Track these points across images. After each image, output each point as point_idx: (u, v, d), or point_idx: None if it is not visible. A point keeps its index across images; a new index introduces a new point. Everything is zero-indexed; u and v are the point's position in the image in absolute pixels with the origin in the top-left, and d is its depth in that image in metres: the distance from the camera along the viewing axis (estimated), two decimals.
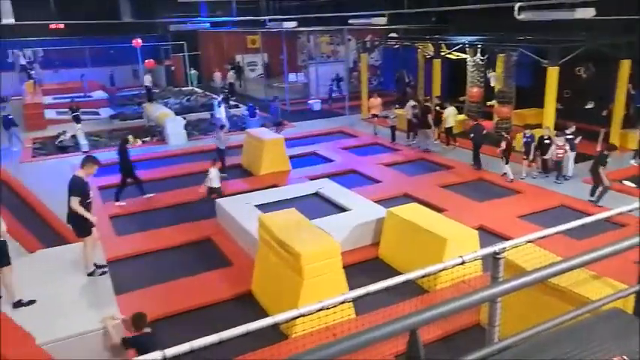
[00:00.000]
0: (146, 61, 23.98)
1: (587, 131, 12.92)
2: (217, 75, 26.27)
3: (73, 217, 6.17)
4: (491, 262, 3.19)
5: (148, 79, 23.35)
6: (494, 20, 16.75)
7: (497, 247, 3.14)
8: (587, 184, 10.74)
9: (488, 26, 17.57)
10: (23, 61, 27.46)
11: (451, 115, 14.71)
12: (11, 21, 25.00)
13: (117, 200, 10.96)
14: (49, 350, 4.60)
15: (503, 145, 11.99)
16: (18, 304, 5.38)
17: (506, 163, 11.95)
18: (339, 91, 22.41)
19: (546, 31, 15.39)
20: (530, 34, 15.25)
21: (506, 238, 7.02)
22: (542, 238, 3.57)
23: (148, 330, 4.80)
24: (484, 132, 13.15)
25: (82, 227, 6.20)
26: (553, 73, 12.66)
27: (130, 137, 14.39)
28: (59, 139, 16.59)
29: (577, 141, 11.76)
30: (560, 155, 11.53)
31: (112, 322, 4.89)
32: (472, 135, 13.01)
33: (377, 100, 16.94)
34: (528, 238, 3.46)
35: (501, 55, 15.67)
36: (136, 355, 4.53)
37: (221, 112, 17.60)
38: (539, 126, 13.29)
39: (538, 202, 10.53)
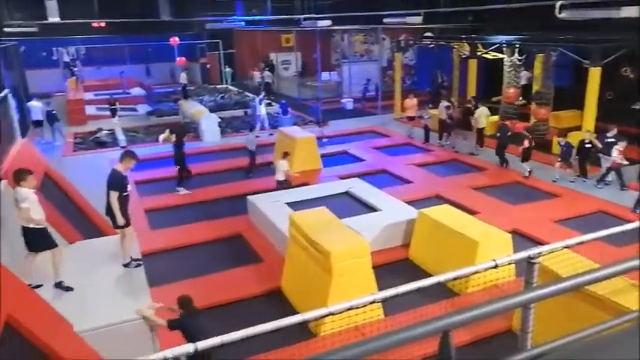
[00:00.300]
0: (178, 58, 24.41)
1: (632, 135, 12.45)
2: (256, 74, 26.39)
3: (111, 209, 6.34)
4: (526, 266, 3.11)
5: (183, 77, 23.76)
6: (534, 19, 16.35)
7: (532, 252, 3.06)
8: (630, 191, 10.35)
9: (527, 25, 17.15)
10: (67, 59, 28.39)
11: (482, 116, 14.41)
12: (57, 19, 25.96)
13: (178, 187, 11.50)
14: (86, 338, 4.75)
15: (526, 143, 12.00)
16: (58, 285, 5.62)
17: (523, 162, 12.02)
18: (374, 90, 22.21)
19: (587, 31, 14.91)
20: (570, 34, 14.81)
21: (541, 243, 6.86)
22: (579, 244, 3.46)
23: (192, 312, 4.90)
24: (509, 133, 12.92)
25: (116, 219, 6.36)
26: (595, 74, 12.25)
27: (167, 133, 14.73)
28: (95, 136, 17.09)
29: (621, 145, 11.17)
30: (618, 162, 10.82)
31: (148, 311, 5.02)
32: (498, 134, 12.92)
33: (412, 101, 16.42)
34: (565, 244, 3.35)
35: (540, 54, 15.26)
36: (182, 338, 4.68)
37: (261, 110, 17.75)
38: (577, 128, 12.89)
39: (576, 207, 10.22)
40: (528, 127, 12.93)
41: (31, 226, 5.49)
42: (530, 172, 11.94)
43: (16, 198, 5.52)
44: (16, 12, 28.24)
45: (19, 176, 5.55)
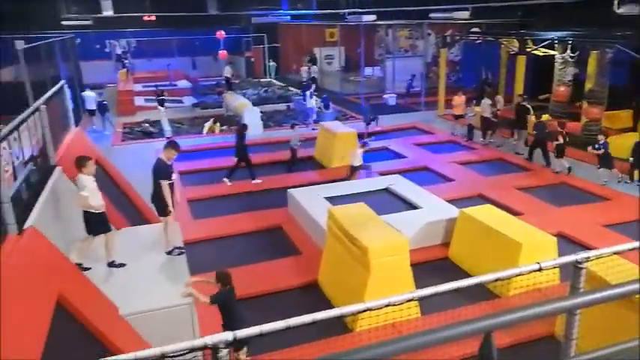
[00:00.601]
0: (220, 51, 24.79)
1: None
2: (304, 69, 26.19)
3: (156, 197, 6.53)
4: (572, 271, 3.00)
5: (228, 71, 24.10)
6: (588, 14, 15.65)
7: (579, 256, 2.95)
8: None
9: (581, 21, 16.43)
10: (119, 51, 29.43)
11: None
12: (110, 13, 26.92)
13: (228, 177, 11.81)
14: (129, 321, 4.93)
15: (560, 139, 11.77)
16: (111, 264, 5.90)
17: (558, 157, 11.85)
18: (418, 86, 21.84)
19: None
20: (628, 30, 14.09)
21: (589, 248, 6.60)
22: (631, 250, 3.30)
23: (228, 287, 5.22)
24: (547, 131, 12.61)
25: (164, 207, 6.55)
26: None
27: (211, 122, 15.09)
28: (137, 128, 17.61)
29: None
30: None
31: (193, 290, 5.26)
32: (535, 132, 12.67)
33: (461, 99, 15.80)
34: (616, 250, 3.20)
35: (595, 51, 14.62)
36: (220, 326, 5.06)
37: (312, 103, 17.85)
38: (632, 129, 12.30)
39: (627, 211, 9.75)
40: (562, 122, 12.55)
41: (92, 210, 5.78)
42: (569, 168, 11.73)
43: (77, 185, 5.82)
44: (73, 6, 29.45)
45: (79, 163, 5.83)
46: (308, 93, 18.23)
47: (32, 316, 3.76)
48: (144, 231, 7.12)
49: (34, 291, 4.01)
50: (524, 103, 14.46)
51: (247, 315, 5.33)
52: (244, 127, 12.27)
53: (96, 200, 5.82)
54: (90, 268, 5.79)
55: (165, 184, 6.35)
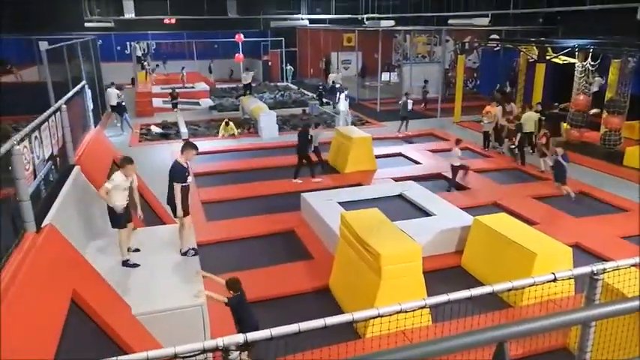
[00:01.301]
0: (237, 55, 24.85)
1: None
2: (331, 76, 25.34)
3: (172, 199, 6.59)
4: (588, 282, 2.96)
5: (247, 77, 23.31)
6: (610, 22, 15.44)
7: (595, 267, 2.90)
8: None
9: (602, 29, 16.21)
10: (139, 53, 29.82)
11: (530, 120, 13.58)
12: (132, 16, 27.33)
13: (295, 178, 12.09)
14: (142, 321, 4.97)
15: (543, 140, 12.15)
16: (125, 263, 6.01)
17: (541, 157, 12.33)
18: (435, 92, 21.74)
19: None
20: None
21: (605, 260, 6.48)
22: None
23: (239, 293, 5.34)
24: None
25: (176, 208, 6.60)
26: None
27: (223, 125, 15.17)
28: (156, 130, 17.74)
29: None
30: None
31: (210, 292, 5.37)
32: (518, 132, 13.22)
33: (494, 109, 14.61)
34: (634, 262, 3.15)
35: (616, 60, 14.40)
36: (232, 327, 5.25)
37: (345, 105, 17.94)
38: None
39: None
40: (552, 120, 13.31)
41: (110, 205, 5.98)
42: (543, 171, 12.37)
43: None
44: (97, 8, 30.00)
45: (121, 162, 6.28)
46: (343, 95, 18.41)
47: (47, 313, 3.82)
48: (159, 231, 7.19)
49: (50, 288, 4.07)
50: (555, 111, 14.17)
51: (259, 319, 5.36)
52: (307, 126, 12.58)
53: (116, 198, 5.95)
54: (138, 265, 5.98)
55: (178, 186, 6.41)
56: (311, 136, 12.22)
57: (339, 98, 18.67)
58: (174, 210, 6.63)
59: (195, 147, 6.74)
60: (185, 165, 6.55)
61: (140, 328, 4.88)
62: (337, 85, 21.73)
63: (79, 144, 7.92)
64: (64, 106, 6.80)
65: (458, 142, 11.75)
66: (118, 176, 6.00)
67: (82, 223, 6.28)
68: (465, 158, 12.24)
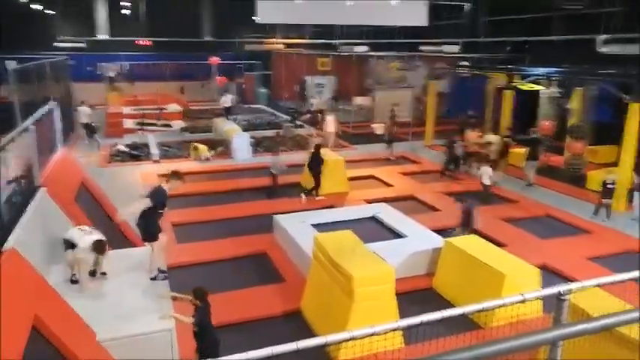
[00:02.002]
0: (217, 77, 24.87)
1: None
2: (314, 101, 25.48)
3: (142, 222, 6.46)
4: (555, 303, 3.01)
5: (226, 100, 23.25)
6: (574, 52, 16.11)
7: (562, 288, 2.96)
8: None
9: (566, 58, 16.91)
10: (111, 74, 29.49)
11: (494, 144, 14.42)
12: (105, 37, 27.08)
13: (314, 194, 12.50)
14: (108, 347, 4.80)
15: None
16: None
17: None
18: (407, 117, 22.11)
19: (630, 64, 14.62)
20: (612, 67, 14.52)
21: (571, 280, 6.62)
22: (612, 283, 3.32)
23: (205, 303, 5.27)
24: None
25: (150, 233, 6.50)
26: (635, 109, 11.94)
27: (194, 149, 15.05)
28: (122, 149, 17.44)
29: None
30: None
31: (177, 315, 5.31)
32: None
33: (474, 135, 15.24)
34: (598, 282, 3.23)
35: (579, 88, 15.00)
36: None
37: (333, 127, 18.29)
38: (614, 164, 12.54)
39: (611, 245, 9.86)
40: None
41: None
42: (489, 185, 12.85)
43: None
44: (68, 28, 29.65)
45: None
46: (330, 118, 18.77)
47: (6, 339, 3.64)
48: (127, 255, 7.00)
49: (10, 314, 3.90)
50: (535, 135, 14.61)
51: (228, 344, 5.24)
52: (319, 146, 13.07)
53: None
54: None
55: (161, 213, 6.50)
56: (321, 157, 12.66)
57: (326, 121, 18.92)
58: (143, 233, 6.50)
59: (182, 179, 6.82)
60: (168, 192, 6.54)
61: (105, 355, 4.70)
62: (322, 108, 21.96)
63: (46, 165, 7.72)
64: (32, 126, 6.64)
65: (487, 160, 12.89)
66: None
67: (46, 246, 6.07)
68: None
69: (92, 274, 5.95)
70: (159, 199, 6.41)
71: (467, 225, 9.40)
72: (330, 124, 18.55)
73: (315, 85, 28.74)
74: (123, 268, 6.44)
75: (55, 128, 10.07)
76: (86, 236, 5.85)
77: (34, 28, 24.51)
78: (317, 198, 12.42)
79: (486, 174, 12.39)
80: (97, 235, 5.95)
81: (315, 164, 12.62)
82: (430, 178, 14.81)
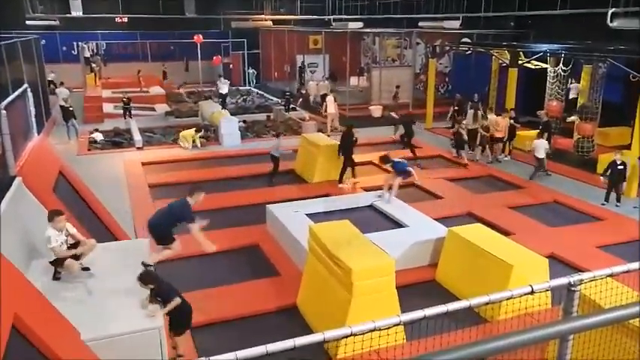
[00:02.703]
0: (215, 57, 24.71)
1: None
2: (312, 84, 24.92)
3: (161, 231, 6.76)
4: (565, 294, 3.05)
5: (223, 86, 22.59)
6: (583, 27, 16.09)
7: (572, 279, 3.00)
8: None
9: (574, 33, 16.89)
10: (87, 54, 29.13)
11: (494, 124, 14.66)
12: (79, 14, 26.72)
13: (340, 182, 12.53)
14: (92, 347, 4.81)
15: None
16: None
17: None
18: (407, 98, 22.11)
19: None
20: (622, 44, 14.51)
21: (581, 270, 6.71)
22: (625, 272, 3.37)
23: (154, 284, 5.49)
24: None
25: (166, 240, 6.82)
26: None
27: (192, 133, 15.00)
28: (93, 139, 17.29)
29: None
30: None
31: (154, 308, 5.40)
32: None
33: (504, 121, 14.74)
34: (610, 272, 3.27)
35: (587, 66, 15.00)
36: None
37: (331, 107, 18.48)
38: (627, 147, 12.61)
39: (622, 232, 9.96)
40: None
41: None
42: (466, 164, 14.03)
43: None
44: (40, 4, 29.19)
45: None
46: (330, 98, 18.96)
47: None
48: (111, 248, 7.00)
49: None
50: (545, 119, 14.73)
51: (222, 341, 5.31)
52: (351, 127, 12.93)
53: None
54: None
55: (195, 226, 6.83)
56: (356, 138, 12.68)
57: (326, 102, 18.94)
58: (160, 239, 6.82)
59: (202, 190, 7.18)
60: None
61: (90, 355, 4.72)
62: (322, 93, 21.87)
63: (21, 153, 7.67)
64: (4, 111, 6.58)
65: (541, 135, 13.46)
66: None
67: (25, 241, 6.06)
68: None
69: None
70: (185, 214, 6.79)
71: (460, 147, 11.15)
72: (331, 104, 18.69)
73: (307, 65, 28.60)
74: (106, 262, 6.43)
75: (29, 113, 9.98)
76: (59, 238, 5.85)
77: (1, 4, 24.13)
78: (354, 180, 12.56)
79: (542, 147, 12.59)
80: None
81: (346, 148, 12.57)
82: (432, 164, 14.85)
